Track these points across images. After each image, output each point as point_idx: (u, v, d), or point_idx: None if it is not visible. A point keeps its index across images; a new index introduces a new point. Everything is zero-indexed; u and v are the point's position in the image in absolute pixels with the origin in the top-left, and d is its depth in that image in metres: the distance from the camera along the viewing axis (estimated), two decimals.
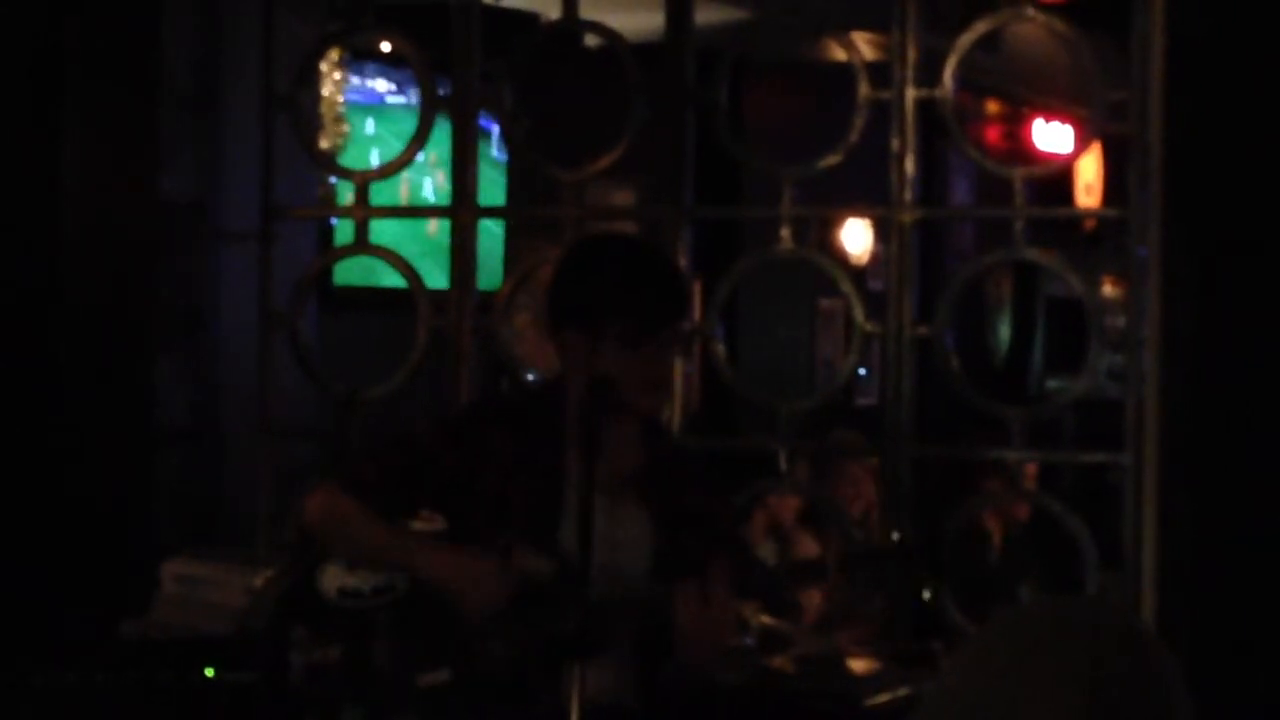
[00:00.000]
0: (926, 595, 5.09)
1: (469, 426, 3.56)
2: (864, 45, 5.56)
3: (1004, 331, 12.46)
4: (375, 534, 3.48)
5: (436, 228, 6.86)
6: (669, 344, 3.45)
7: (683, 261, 5.33)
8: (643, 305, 3.41)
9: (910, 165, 5.17)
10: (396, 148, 5.83)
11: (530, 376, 5.65)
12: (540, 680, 3.31)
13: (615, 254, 3.57)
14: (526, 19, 6.77)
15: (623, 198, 8.64)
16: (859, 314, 5.25)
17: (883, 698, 4.85)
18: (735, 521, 3.77)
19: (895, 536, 5.17)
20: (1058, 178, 9.77)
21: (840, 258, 10.03)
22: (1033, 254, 5.20)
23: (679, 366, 3.55)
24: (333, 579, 3.51)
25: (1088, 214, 11.78)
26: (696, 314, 5.45)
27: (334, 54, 7.14)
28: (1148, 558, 4.87)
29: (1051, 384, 12.35)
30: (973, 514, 5.47)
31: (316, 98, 6.40)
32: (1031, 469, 6.51)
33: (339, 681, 3.46)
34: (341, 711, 3.47)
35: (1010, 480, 5.34)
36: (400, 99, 7.79)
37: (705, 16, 5.51)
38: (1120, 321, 5.12)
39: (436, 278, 5.65)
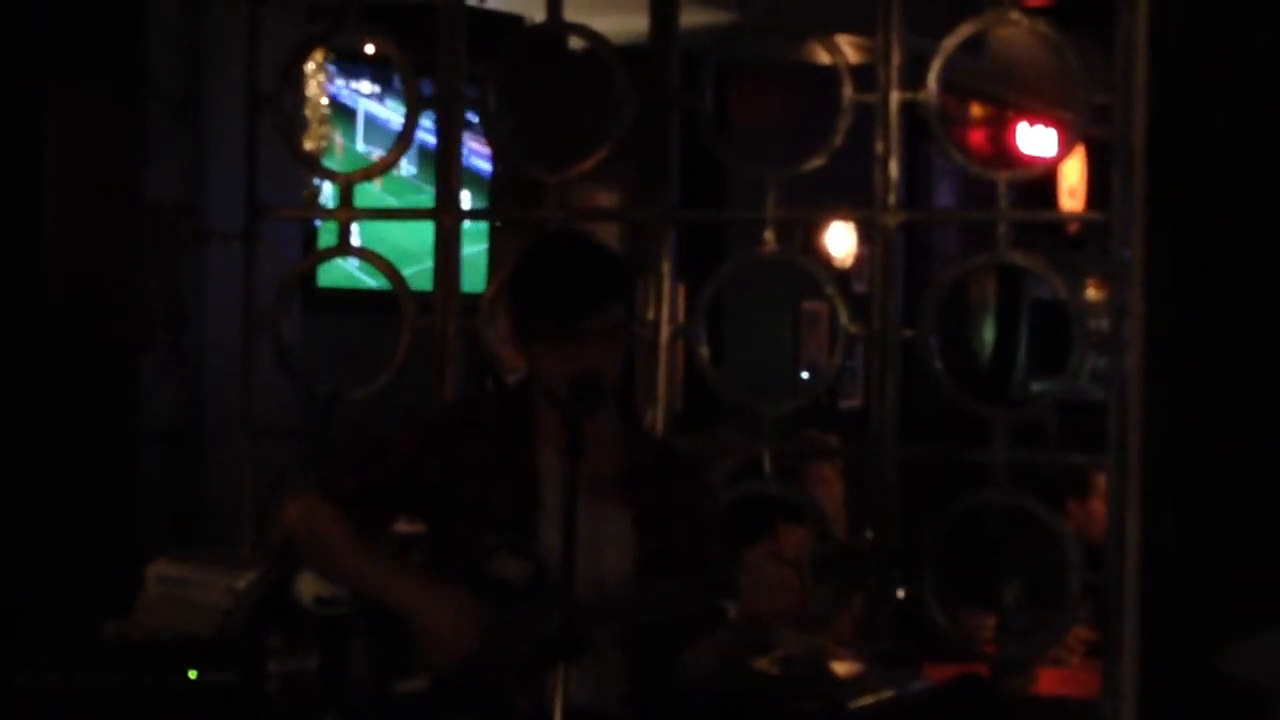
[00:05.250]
0: (900, 594, 5.10)
1: (444, 435, 3.54)
2: (849, 48, 5.56)
3: (988, 334, 12.46)
4: (351, 559, 3.47)
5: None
6: (597, 338, 3.38)
7: (666, 264, 5.33)
8: (552, 304, 3.38)
9: (894, 168, 5.17)
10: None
11: (516, 378, 5.65)
12: (521, 685, 3.30)
13: (543, 253, 3.55)
14: (511, 21, 6.78)
15: (607, 200, 8.66)
16: (843, 316, 5.25)
17: (866, 700, 4.85)
18: (721, 515, 3.75)
19: (869, 536, 5.19)
20: (1041, 181, 9.79)
21: (824, 260, 10.04)
22: (1017, 257, 5.21)
23: (615, 358, 3.43)
24: (309, 586, 3.50)
25: (1071, 217, 11.80)
26: (681, 316, 5.46)
27: (318, 55, 7.14)
28: (1130, 559, 4.88)
29: (1035, 386, 12.36)
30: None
31: (301, 99, 6.39)
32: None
33: (316, 690, 3.45)
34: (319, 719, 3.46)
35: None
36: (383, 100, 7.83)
37: (690, 19, 5.51)
38: (1104, 324, 5.12)
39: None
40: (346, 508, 3.48)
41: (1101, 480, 6.16)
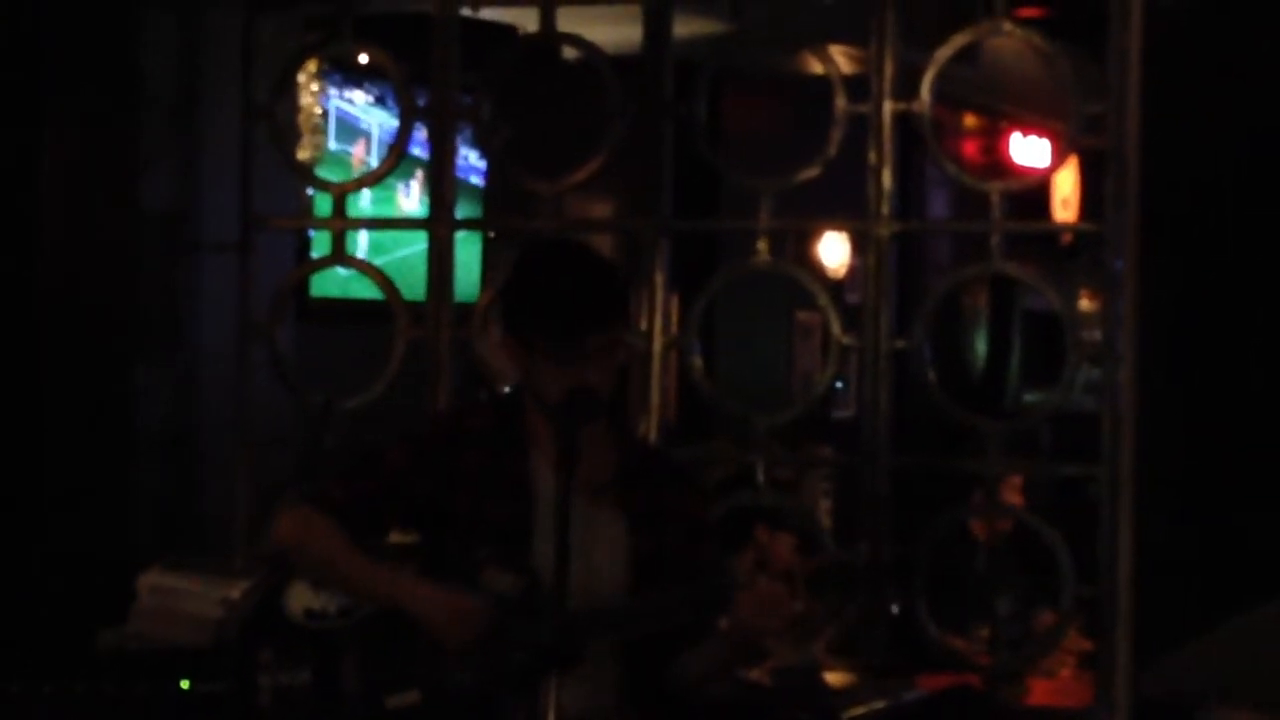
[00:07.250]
0: (895, 609, 5.09)
1: (436, 447, 3.53)
2: (842, 59, 5.57)
3: (981, 345, 12.48)
4: (351, 561, 3.47)
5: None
6: (597, 355, 3.36)
7: (660, 274, 5.34)
8: (558, 320, 3.35)
9: (888, 178, 5.18)
10: None
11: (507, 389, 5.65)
12: (514, 698, 3.30)
13: (545, 264, 3.49)
14: (505, 31, 6.77)
15: (601, 209, 8.66)
16: (836, 327, 5.26)
17: (859, 710, 4.86)
18: (711, 520, 3.75)
19: (862, 549, 5.19)
20: (1034, 191, 9.79)
21: (818, 271, 10.05)
22: (1010, 268, 5.22)
23: (612, 372, 3.44)
24: (298, 600, 3.50)
25: (1065, 228, 11.84)
26: (674, 326, 5.46)
27: (312, 65, 7.14)
28: (1123, 570, 4.89)
29: (1028, 397, 12.37)
30: (956, 524, 5.48)
31: (295, 109, 6.40)
32: (1017, 481, 6.56)
33: (307, 704, 3.45)
34: None
35: (989, 493, 5.35)
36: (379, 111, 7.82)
37: (684, 29, 5.52)
38: (1097, 335, 5.13)
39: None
40: (339, 518, 3.49)
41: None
